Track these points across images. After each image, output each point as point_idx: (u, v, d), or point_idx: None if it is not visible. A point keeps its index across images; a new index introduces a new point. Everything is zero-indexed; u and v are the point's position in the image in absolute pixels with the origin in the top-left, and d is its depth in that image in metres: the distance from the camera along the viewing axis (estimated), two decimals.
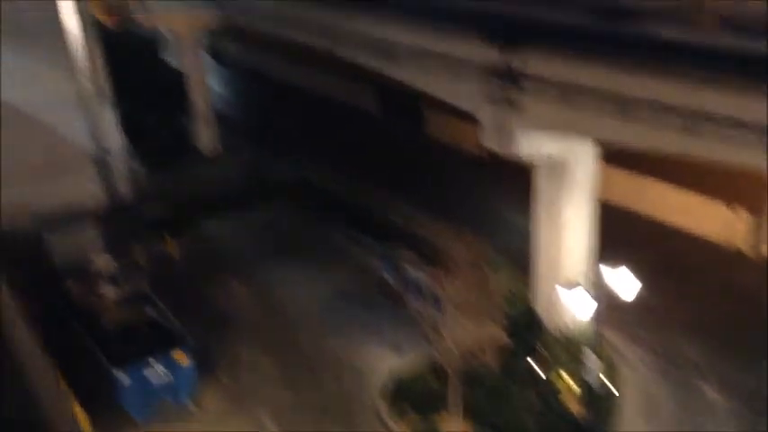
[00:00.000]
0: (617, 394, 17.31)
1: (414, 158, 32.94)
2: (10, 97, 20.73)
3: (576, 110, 15.31)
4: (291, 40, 28.41)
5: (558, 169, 17.76)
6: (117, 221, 22.40)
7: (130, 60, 35.01)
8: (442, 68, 18.99)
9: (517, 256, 21.06)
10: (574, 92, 15.15)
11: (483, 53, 17.12)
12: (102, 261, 20.62)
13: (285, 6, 25.71)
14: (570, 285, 15.75)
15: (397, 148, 34.26)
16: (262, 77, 46.08)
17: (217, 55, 47.82)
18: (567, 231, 18.38)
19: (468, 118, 19.38)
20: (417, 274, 19.93)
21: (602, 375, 16.59)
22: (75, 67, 21.85)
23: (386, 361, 19.23)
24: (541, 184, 18.42)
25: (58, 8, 21.13)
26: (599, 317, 14.91)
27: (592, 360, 15.41)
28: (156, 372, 17.32)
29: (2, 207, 21.21)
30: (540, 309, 19.56)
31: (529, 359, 18.14)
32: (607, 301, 14.61)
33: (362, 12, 21.95)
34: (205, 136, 35.18)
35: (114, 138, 23.02)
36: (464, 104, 18.97)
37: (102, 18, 34.64)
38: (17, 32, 20.30)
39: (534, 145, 17.36)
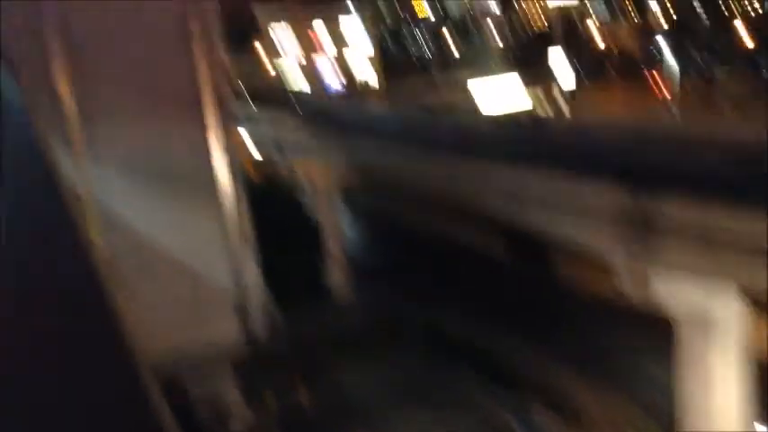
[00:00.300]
0: None
1: (546, 304, 31.97)
2: (162, 242, 22.09)
3: (718, 256, 14.47)
4: (420, 189, 29.25)
5: (704, 319, 16.57)
6: (251, 364, 22.90)
7: (271, 206, 37.24)
8: (573, 213, 18.76)
9: (660, 415, 19.43)
10: (714, 238, 14.41)
11: (615, 198, 16.81)
12: (234, 404, 20.97)
13: (412, 159, 26.71)
14: None
15: (528, 294, 33.47)
16: (392, 224, 47.40)
17: (350, 202, 50.01)
18: (717, 389, 16.83)
19: (602, 263, 18.79)
20: (551, 429, 18.81)
21: None
22: (221, 213, 23.27)
23: None
24: (685, 335, 17.18)
25: (211, 161, 22.88)
26: None
27: None
28: None
29: (146, 348, 22.23)
30: None
31: None
32: None
33: (490, 161, 22.39)
34: (338, 279, 36.19)
35: (254, 280, 23.95)
36: (597, 249, 18.47)
37: (248, 168, 37.54)
38: (168, 181, 21.94)
39: (675, 292, 16.42)
